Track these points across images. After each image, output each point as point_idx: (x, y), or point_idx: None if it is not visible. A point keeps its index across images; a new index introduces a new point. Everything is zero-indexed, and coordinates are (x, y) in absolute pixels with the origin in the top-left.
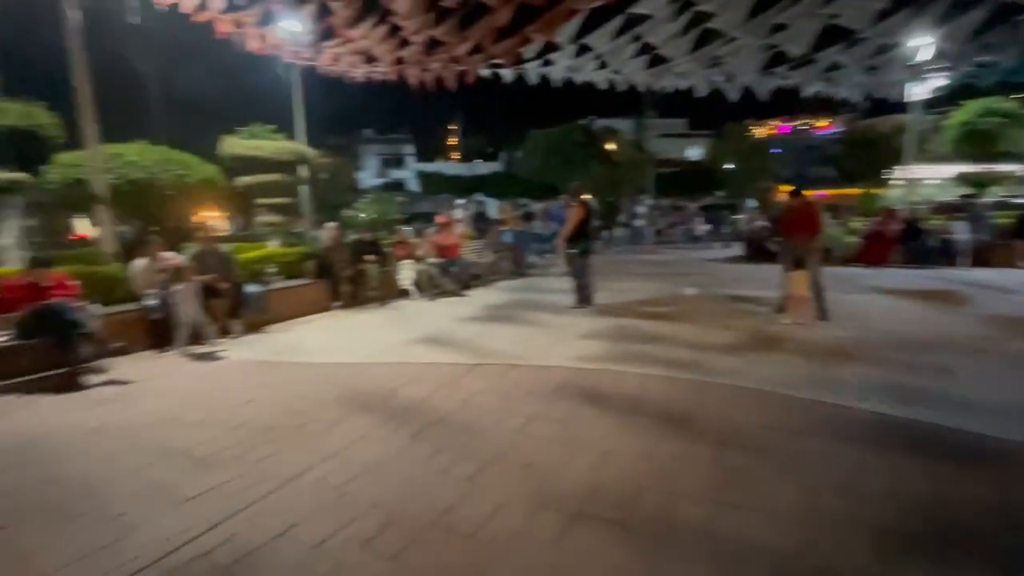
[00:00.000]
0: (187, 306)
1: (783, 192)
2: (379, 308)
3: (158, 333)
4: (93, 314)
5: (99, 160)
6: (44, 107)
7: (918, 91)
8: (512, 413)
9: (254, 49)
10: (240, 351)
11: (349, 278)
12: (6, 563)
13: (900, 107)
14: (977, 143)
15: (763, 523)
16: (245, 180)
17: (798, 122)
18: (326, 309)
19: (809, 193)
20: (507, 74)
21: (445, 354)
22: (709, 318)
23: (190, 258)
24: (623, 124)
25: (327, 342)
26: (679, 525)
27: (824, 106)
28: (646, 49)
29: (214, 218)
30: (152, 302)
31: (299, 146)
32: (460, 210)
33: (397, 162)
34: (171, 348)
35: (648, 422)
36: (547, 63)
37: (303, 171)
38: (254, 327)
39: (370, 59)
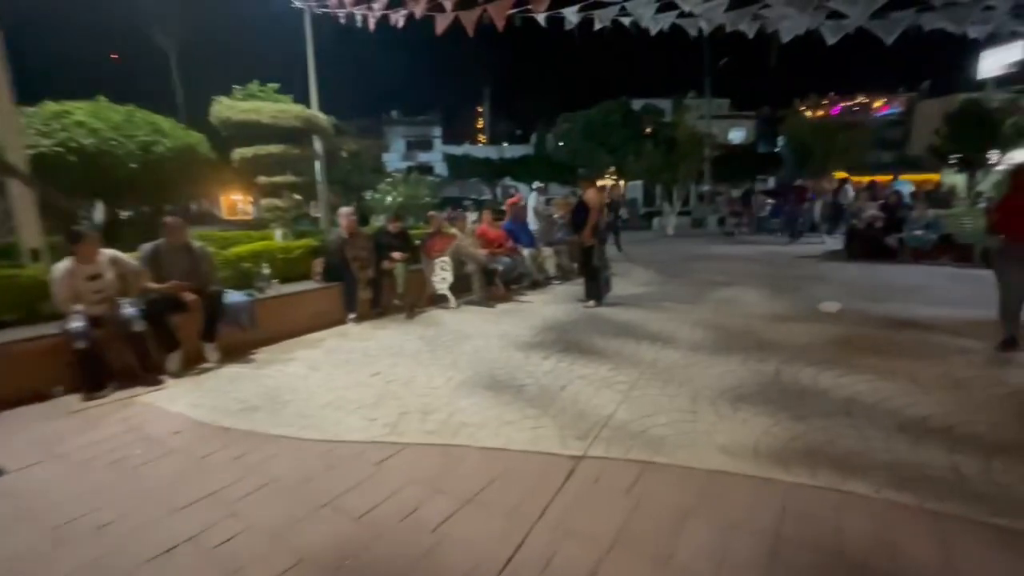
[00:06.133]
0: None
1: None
2: (407, 321)
3: (87, 368)
4: None
5: (11, 119)
6: None
7: (990, 66)
8: None
9: None
10: (201, 399)
11: (370, 281)
12: None
13: (963, 86)
14: None
15: None
16: (241, 152)
17: (852, 103)
18: (339, 322)
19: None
20: (541, 18)
21: (521, 424)
22: (892, 358)
23: (144, 258)
24: (662, 104)
25: (333, 385)
26: None
27: (881, 85)
28: None
29: (234, 202)
30: (77, 324)
31: (306, 110)
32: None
33: (424, 144)
34: (106, 391)
35: None
36: (596, 3)
37: (317, 144)
38: (237, 351)
39: None
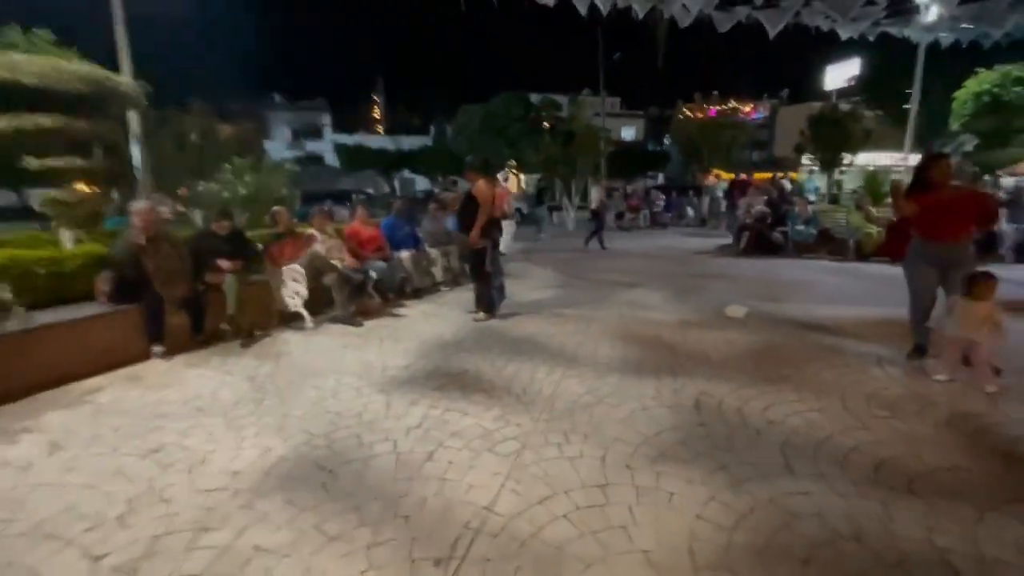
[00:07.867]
0: None
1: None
2: (241, 351)
3: None
4: None
5: None
6: None
7: (833, 78)
8: None
9: None
10: None
11: (183, 300)
12: None
13: (812, 96)
14: (1003, 115)
15: None
16: None
17: (727, 106)
18: (140, 358)
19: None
20: None
21: (351, 539)
22: (812, 374)
23: None
24: (559, 100)
25: (69, 480)
26: None
27: (748, 91)
28: None
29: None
30: None
31: (97, 70)
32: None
33: (313, 132)
34: None
35: None
36: None
37: (133, 120)
38: None
39: None
